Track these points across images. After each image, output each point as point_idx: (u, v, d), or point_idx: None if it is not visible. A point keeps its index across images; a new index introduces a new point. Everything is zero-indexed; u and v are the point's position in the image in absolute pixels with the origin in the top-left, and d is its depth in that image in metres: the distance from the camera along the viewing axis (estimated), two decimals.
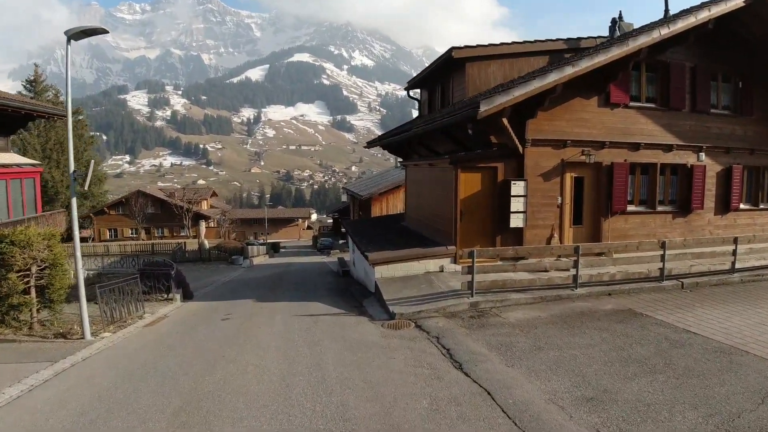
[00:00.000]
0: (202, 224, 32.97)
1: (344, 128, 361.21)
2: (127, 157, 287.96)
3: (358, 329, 9.10)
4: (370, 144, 24.34)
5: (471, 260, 10.09)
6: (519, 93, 11.41)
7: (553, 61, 16.05)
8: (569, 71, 12.13)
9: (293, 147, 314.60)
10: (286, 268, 27.98)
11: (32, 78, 55.23)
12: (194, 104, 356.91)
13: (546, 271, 11.28)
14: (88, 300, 9.90)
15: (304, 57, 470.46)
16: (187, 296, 15.16)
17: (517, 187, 12.68)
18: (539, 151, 13.25)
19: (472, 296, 10.24)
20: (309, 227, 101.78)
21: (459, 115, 11.72)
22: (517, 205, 12.70)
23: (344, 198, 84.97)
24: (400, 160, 58.42)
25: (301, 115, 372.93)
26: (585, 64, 12.31)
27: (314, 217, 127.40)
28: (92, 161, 10.57)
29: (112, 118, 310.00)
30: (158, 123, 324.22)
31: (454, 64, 16.85)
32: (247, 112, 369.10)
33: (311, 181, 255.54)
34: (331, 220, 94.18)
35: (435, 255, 12.63)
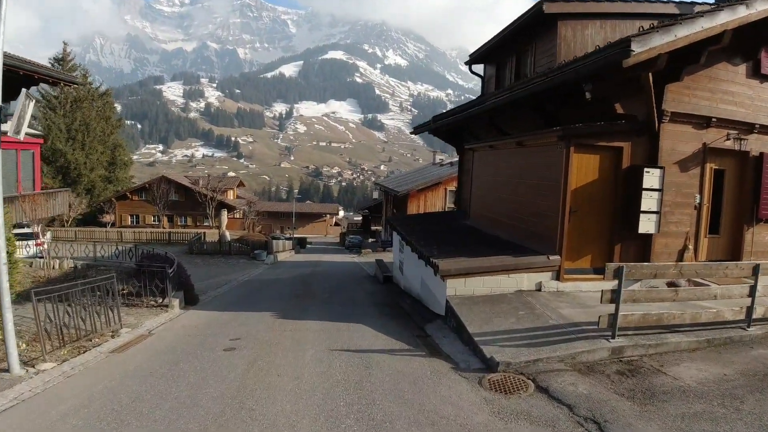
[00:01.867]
0: (224, 214, 29.76)
1: (375, 127, 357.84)
2: (160, 147, 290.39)
3: (441, 390, 5.50)
4: (418, 129, 20.70)
5: (617, 281, 6.41)
6: (683, 33, 7.72)
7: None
8: (742, 13, 8.43)
9: (323, 143, 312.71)
10: (314, 267, 24.54)
11: (60, 56, 53.17)
12: (228, 97, 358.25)
13: (714, 298, 7.51)
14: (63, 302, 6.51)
15: (338, 54, 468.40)
16: (190, 301, 11.78)
17: (652, 178, 8.94)
18: (677, 131, 9.49)
19: (614, 338, 6.56)
20: (336, 224, 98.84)
21: (591, 62, 8.02)
22: (649, 202, 8.96)
23: (376, 195, 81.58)
24: (440, 158, 54.67)
25: (333, 112, 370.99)
26: (762, 7, 8.68)
27: (341, 214, 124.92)
28: (31, 102, 7.13)
29: (147, 107, 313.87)
30: (192, 114, 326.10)
31: (542, 24, 13.29)
32: (280, 107, 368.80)
33: (339, 178, 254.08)
34: (360, 218, 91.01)
35: (530, 267, 8.94)
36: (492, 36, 16.73)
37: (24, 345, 7.02)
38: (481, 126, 14.85)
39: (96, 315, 7.80)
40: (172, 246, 30.67)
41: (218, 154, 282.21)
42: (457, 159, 55.28)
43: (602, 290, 6.65)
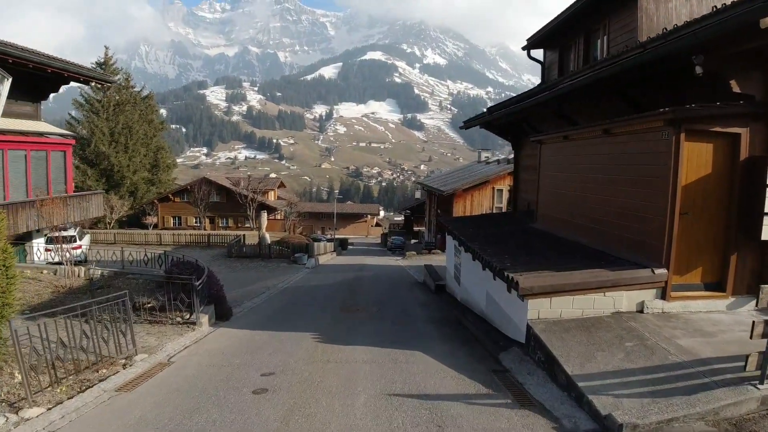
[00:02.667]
0: (264, 215, 28.72)
1: (414, 126, 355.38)
2: (204, 150, 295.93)
3: None
4: (470, 123, 18.98)
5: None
6: None
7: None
8: None
9: (363, 144, 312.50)
10: (358, 272, 23.11)
11: (102, 60, 53.59)
12: (269, 100, 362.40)
13: None
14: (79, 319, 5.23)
15: (377, 55, 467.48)
16: (222, 315, 10.49)
17: None
18: None
19: (762, 383, 4.84)
20: (377, 224, 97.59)
21: (716, 24, 6.27)
22: None
23: (418, 194, 79.80)
24: (486, 155, 52.54)
25: (372, 113, 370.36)
26: None
27: (382, 214, 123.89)
28: (7, 81, 5.86)
29: (191, 111, 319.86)
30: (234, 117, 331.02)
31: None
32: (320, 109, 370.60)
33: (380, 179, 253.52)
34: (401, 218, 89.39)
35: (632, 283, 7.19)
36: (553, 17, 14.99)
37: (18, 377, 5.78)
38: (546, 116, 13.11)
39: (103, 340, 6.49)
40: (212, 249, 29.87)
41: (260, 156, 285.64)
42: (504, 156, 53.04)
43: (753, 321, 4.90)
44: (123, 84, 54.17)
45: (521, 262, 8.04)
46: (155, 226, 48.56)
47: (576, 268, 7.43)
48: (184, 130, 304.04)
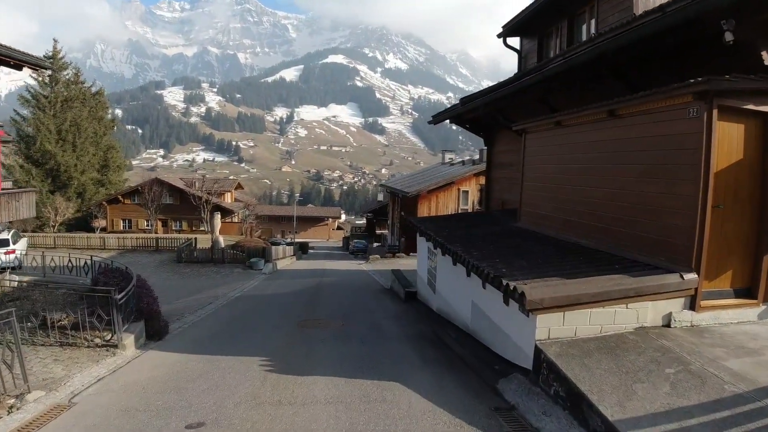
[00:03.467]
0: (218, 217, 26.68)
1: (375, 130, 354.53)
2: (161, 152, 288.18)
3: None
4: (440, 117, 17.64)
5: None
6: None
7: None
8: None
9: (324, 147, 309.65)
10: (320, 277, 21.44)
11: (50, 54, 50.29)
12: (229, 102, 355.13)
13: None
14: None
15: (339, 59, 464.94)
16: (154, 333, 8.71)
17: None
18: None
19: None
20: (339, 228, 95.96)
21: None
22: None
23: (380, 197, 78.51)
24: (450, 156, 51.52)
25: (334, 116, 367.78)
26: None
27: (343, 217, 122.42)
28: None
29: (148, 112, 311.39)
30: (193, 119, 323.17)
31: None
32: (281, 112, 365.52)
33: (341, 182, 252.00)
34: (363, 221, 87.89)
35: (656, 291, 5.86)
36: (532, 1, 13.83)
37: None
38: (526, 106, 11.87)
39: None
40: (160, 253, 27.64)
41: (219, 158, 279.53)
42: (469, 158, 52.14)
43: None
44: (72, 79, 51.21)
45: (517, 267, 6.63)
46: (103, 230, 45.66)
47: (588, 274, 6.07)
48: (140, 131, 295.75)
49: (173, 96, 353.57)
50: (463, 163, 44.45)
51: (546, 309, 5.46)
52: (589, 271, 6.20)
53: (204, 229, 46.89)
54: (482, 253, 7.85)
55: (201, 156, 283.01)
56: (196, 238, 28.85)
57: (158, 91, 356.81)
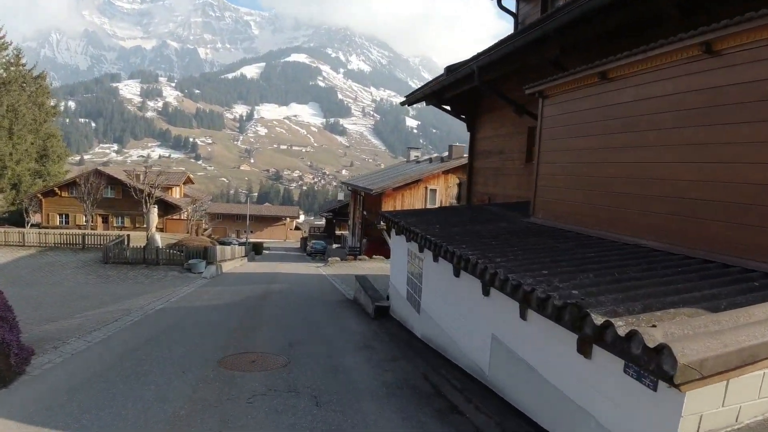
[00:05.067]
0: (154, 211, 23.18)
1: (337, 131, 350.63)
2: (115, 146, 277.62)
3: None
4: (415, 95, 14.93)
5: None
6: None
7: None
8: None
9: (284, 147, 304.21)
10: (269, 284, 18.22)
11: None
12: (187, 97, 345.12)
13: None
14: None
15: (301, 57, 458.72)
16: None
17: None
18: None
19: None
20: (297, 228, 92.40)
21: None
22: None
23: (341, 196, 75.40)
24: (415, 154, 48.94)
25: (295, 116, 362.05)
26: None
27: (302, 218, 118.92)
28: None
29: (102, 105, 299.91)
30: (149, 114, 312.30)
31: None
32: (240, 109, 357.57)
33: (300, 182, 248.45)
34: (323, 222, 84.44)
35: None
36: None
37: None
38: (526, 71, 9.28)
39: None
40: (87, 252, 23.91)
41: (175, 155, 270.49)
42: (438, 155, 49.78)
43: None
44: (12, 61, 46.31)
45: (586, 284, 3.79)
46: (37, 225, 41.05)
47: (727, 299, 3.26)
48: (93, 124, 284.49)
49: (129, 89, 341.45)
50: (430, 160, 41.97)
51: (703, 379, 2.57)
52: (719, 293, 3.40)
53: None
54: (507, 258, 4.96)
55: (157, 152, 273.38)
56: (128, 235, 25.16)
57: (114, 84, 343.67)
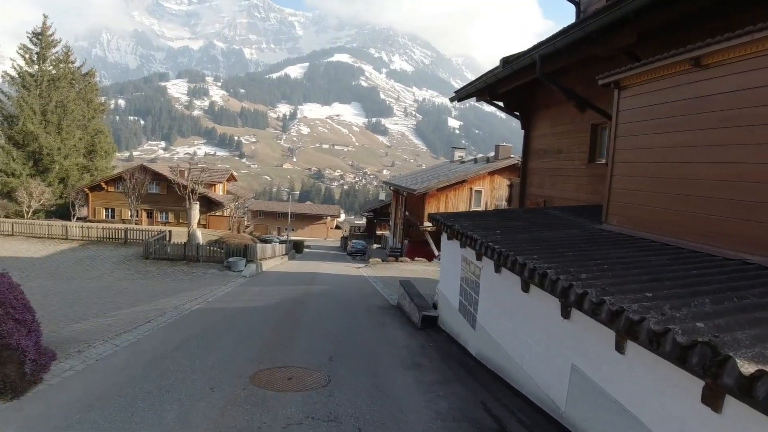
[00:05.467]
0: (195, 207, 22.95)
1: (378, 131, 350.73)
2: (163, 144, 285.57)
3: None
4: (465, 90, 13.98)
5: None
6: None
7: None
8: None
9: (326, 146, 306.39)
10: (308, 284, 17.69)
11: (39, 30, 46.65)
12: (232, 96, 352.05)
13: None
14: None
15: (344, 57, 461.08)
16: (6, 388, 4.93)
17: None
18: None
19: None
20: (338, 227, 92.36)
21: None
22: None
23: (382, 196, 74.77)
24: (459, 154, 47.89)
25: (337, 115, 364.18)
26: None
27: (342, 217, 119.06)
28: None
29: (151, 104, 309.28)
30: (196, 112, 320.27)
31: None
32: (284, 108, 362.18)
33: (341, 181, 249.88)
34: (364, 221, 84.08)
35: None
36: None
37: None
38: (590, 64, 8.32)
39: None
40: (128, 247, 23.93)
41: (220, 152, 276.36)
42: (482, 155, 48.57)
43: None
44: (62, 58, 47.56)
45: (707, 314, 3.02)
46: (83, 219, 41.96)
47: None
48: (142, 122, 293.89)
49: (177, 88, 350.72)
50: (475, 161, 40.82)
51: None
52: None
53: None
54: (593, 274, 4.10)
55: (202, 149, 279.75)
56: (170, 231, 25.12)
57: (162, 83, 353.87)
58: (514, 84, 11.17)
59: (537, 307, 5.13)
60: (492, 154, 37.85)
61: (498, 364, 6.47)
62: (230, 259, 20.62)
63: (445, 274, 9.70)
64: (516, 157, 33.79)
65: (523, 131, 14.07)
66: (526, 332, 5.58)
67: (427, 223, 32.70)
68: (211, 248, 21.81)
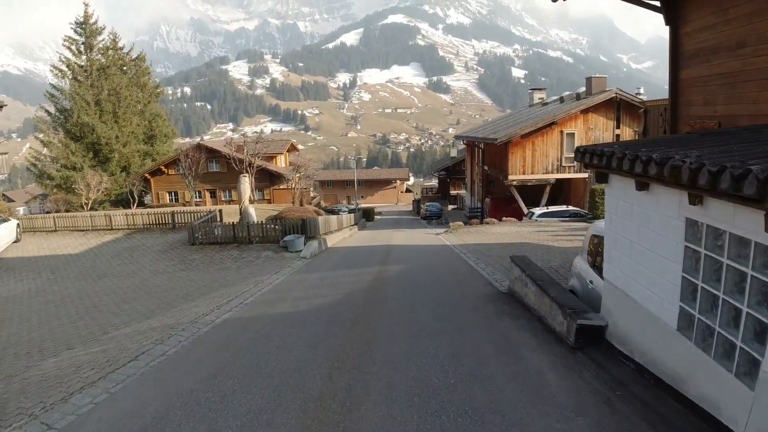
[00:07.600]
0: (245, 181, 19.59)
1: (440, 89, 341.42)
2: (230, 125, 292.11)
3: None
4: None
5: None
6: None
7: None
8: None
9: (389, 110, 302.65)
10: (381, 266, 13.73)
11: (81, 19, 45.12)
12: (292, 71, 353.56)
13: None
14: None
15: (398, 18, 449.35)
16: None
17: None
18: None
19: None
20: (408, 190, 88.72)
21: None
22: None
23: (454, 153, 70.07)
24: (540, 96, 42.39)
25: (397, 78, 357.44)
26: None
27: (412, 180, 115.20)
28: None
29: (215, 88, 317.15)
30: (258, 91, 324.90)
31: None
32: (343, 77, 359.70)
33: (407, 144, 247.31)
34: (435, 182, 79.77)
35: None
36: None
37: None
38: None
39: None
40: (175, 232, 21.24)
41: (286, 128, 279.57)
42: (568, 93, 42.52)
43: None
44: (109, 45, 46.11)
45: None
46: (142, 204, 40.60)
47: None
48: (209, 107, 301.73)
49: (238, 70, 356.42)
50: (561, 100, 35.31)
51: None
52: None
53: (260, 198, 40.73)
54: None
55: (269, 127, 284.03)
56: (220, 210, 22.14)
57: (223, 67, 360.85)
58: None
59: None
60: (582, 89, 32.36)
61: None
62: (286, 238, 17.26)
63: (623, 254, 5.32)
64: (614, 89, 28.33)
65: (668, 27, 9.47)
66: None
67: (512, 177, 28.16)
68: (265, 226, 18.58)
